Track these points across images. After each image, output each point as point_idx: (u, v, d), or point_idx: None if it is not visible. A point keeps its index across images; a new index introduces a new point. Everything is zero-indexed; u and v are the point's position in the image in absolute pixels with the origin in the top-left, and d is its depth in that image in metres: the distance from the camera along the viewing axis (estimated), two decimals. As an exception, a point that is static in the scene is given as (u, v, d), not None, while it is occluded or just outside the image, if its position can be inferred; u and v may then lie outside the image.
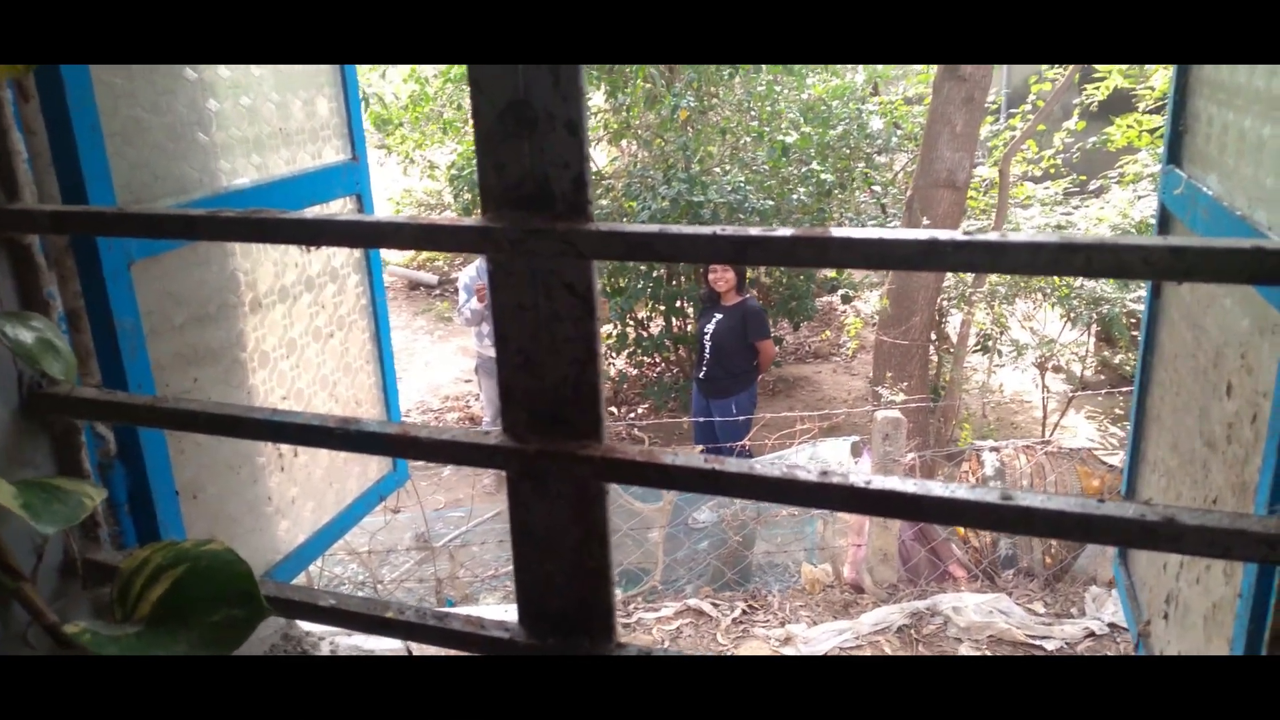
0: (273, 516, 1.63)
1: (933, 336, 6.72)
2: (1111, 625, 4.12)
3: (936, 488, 0.87)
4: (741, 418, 6.11)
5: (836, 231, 0.85)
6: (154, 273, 1.38)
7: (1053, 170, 7.54)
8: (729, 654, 4.24)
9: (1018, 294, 6.52)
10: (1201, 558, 0.83)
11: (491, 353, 6.65)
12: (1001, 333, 6.72)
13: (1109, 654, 3.92)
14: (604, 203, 7.82)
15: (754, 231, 0.88)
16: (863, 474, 0.91)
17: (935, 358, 6.77)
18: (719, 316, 5.95)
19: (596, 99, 8.65)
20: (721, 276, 5.94)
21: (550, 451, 1.02)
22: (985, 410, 7.03)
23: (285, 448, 1.65)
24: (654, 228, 0.92)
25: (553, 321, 0.99)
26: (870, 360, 7.40)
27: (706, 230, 0.89)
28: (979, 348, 6.90)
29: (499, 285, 1.00)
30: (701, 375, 6.09)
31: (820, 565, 5.37)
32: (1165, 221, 1.36)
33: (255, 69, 1.54)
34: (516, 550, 1.10)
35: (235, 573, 1.20)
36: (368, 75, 9.70)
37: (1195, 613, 1.14)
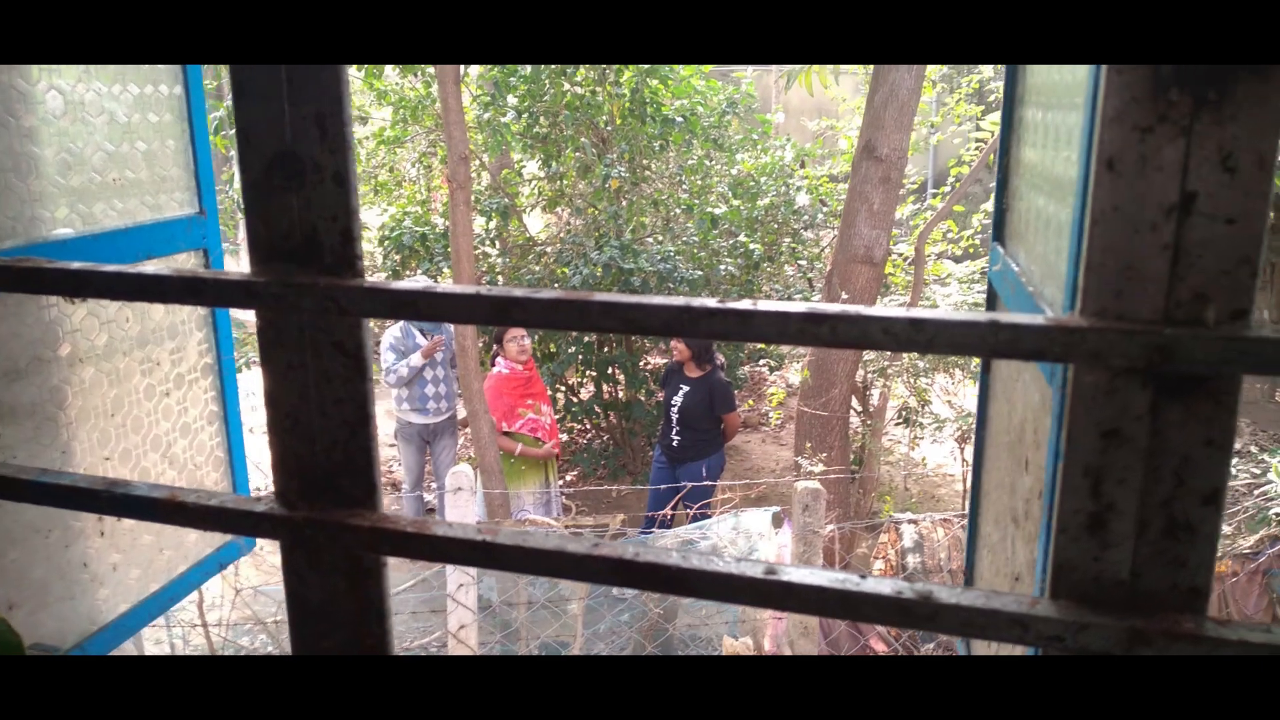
0: (89, 584, 1.53)
1: (856, 407, 6.76)
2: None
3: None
4: (709, 482, 6.04)
5: (517, 293, 0.83)
6: (-48, 324, 1.31)
7: (971, 250, 7.74)
8: None
9: (937, 369, 6.62)
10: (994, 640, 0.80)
11: (411, 418, 6.55)
12: (923, 406, 6.79)
13: None
14: (535, 268, 7.82)
15: (518, 292, 0.85)
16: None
17: (857, 429, 6.80)
18: (685, 389, 5.93)
19: (531, 167, 8.70)
20: (676, 346, 5.97)
21: (319, 520, 0.96)
22: (907, 483, 7.06)
23: (106, 511, 1.56)
24: (420, 286, 0.88)
25: (322, 382, 0.95)
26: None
27: (469, 290, 0.86)
28: (901, 420, 6.96)
29: (267, 342, 0.95)
30: (674, 443, 6.02)
31: (741, 639, 5.28)
32: (991, 297, 1.37)
33: (90, 116, 1.49)
34: (293, 625, 1.04)
35: (3, 642, 1.13)
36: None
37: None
